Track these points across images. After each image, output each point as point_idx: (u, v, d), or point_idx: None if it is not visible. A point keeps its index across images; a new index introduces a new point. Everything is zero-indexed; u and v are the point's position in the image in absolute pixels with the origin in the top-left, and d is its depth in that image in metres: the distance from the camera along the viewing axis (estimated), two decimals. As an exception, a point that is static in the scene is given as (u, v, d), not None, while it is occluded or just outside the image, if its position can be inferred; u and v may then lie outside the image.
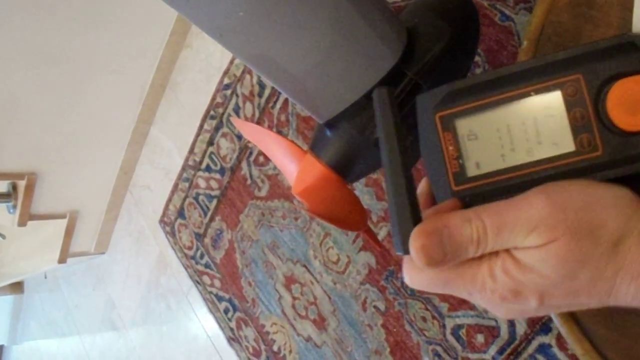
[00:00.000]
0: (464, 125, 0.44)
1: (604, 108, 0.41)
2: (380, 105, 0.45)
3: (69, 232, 2.26)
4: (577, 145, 0.41)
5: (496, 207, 0.39)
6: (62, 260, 2.30)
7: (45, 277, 2.95)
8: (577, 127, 0.41)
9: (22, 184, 2.00)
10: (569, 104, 0.41)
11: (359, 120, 0.83)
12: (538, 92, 0.42)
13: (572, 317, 0.59)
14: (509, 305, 0.40)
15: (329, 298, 1.55)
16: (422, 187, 0.49)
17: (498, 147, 0.43)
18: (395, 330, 1.40)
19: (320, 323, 1.58)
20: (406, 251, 0.40)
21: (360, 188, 1.44)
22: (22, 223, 2.05)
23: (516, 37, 1.20)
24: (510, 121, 0.43)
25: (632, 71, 0.40)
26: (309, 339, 1.61)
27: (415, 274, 0.41)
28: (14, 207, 2.05)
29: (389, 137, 0.43)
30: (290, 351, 1.66)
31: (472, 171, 0.44)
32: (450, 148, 0.44)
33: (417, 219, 0.41)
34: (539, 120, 0.42)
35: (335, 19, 0.73)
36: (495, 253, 0.39)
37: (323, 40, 0.74)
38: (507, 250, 0.39)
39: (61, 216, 2.23)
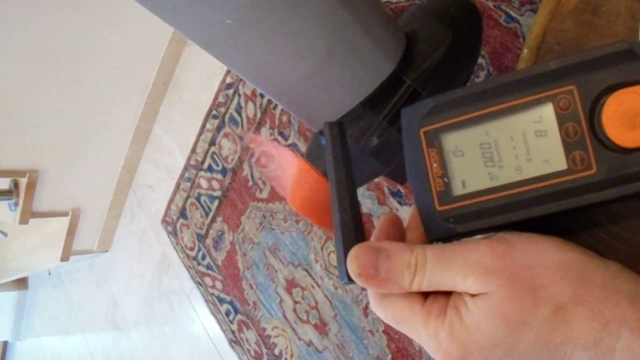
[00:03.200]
0: (449, 141, 0.41)
1: (599, 122, 0.37)
2: (328, 139, 0.44)
3: (71, 230, 2.25)
4: (569, 163, 0.38)
5: (442, 245, 0.39)
6: (64, 258, 2.29)
7: (49, 274, 2.94)
8: (570, 143, 0.38)
9: (23, 182, 1.99)
10: (561, 119, 0.38)
11: (355, 129, 0.81)
12: (528, 105, 0.39)
13: None
14: None
15: (330, 303, 1.53)
16: (412, 210, 0.47)
17: (485, 164, 0.40)
18: (396, 336, 1.38)
19: (321, 328, 1.55)
20: (350, 280, 0.40)
21: (361, 192, 1.42)
22: (23, 221, 2.04)
23: (522, 39, 1.17)
24: (498, 137, 0.40)
25: (630, 82, 0.37)
26: (310, 344, 1.59)
27: (373, 303, 0.41)
28: (16, 204, 2.04)
29: (334, 172, 0.43)
30: (292, 355, 1.64)
31: (457, 190, 0.41)
32: (435, 165, 0.42)
33: (360, 240, 0.41)
34: (528, 135, 0.39)
35: (330, 25, 0.70)
36: (443, 311, 0.38)
37: (318, 48, 0.71)
38: (456, 309, 0.38)
39: (63, 214, 2.22)
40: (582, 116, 0.38)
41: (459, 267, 0.37)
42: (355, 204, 0.43)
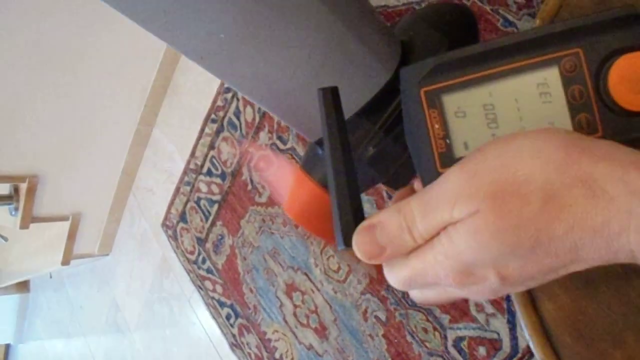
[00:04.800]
0: (451, 102, 0.41)
1: (605, 86, 0.37)
2: (322, 105, 0.42)
3: (71, 235, 2.25)
4: (575, 125, 0.38)
5: (422, 190, 0.38)
6: (65, 262, 2.29)
7: (51, 277, 2.95)
8: (576, 106, 0.38)
9: (23, 187, 1.99)
10: (567, 81, 0.38)
11: (351, 139, 0.81)
12: (533, 67, 0.39)
13: (539, 319, 0.57)
14: (471, 288, 0.38)
15: (330, 307, 1.53)
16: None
17: (488, 126, 0.40)
18: (396, 341, 1.38)
19: (321, 332, 1.56)
20: (346, 245, 0.41)
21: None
22: (24, 225, 2.04)
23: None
24: (502, 98, 0.40)
25: (636, 46, 0.37)
26: (310, 348, 1.59)
27: (387, 273, 0.41)
28: (16, 209, 2.04)
29: (332, 135, 0.42)
30: (292, 359, 1.64)
31: (459, 152, 0.41)
32: (437, 126, 0.41)
33: (357, 214, 0.41)
34: (533, 97, 0.39)
35: (325, 37, 0.70)
36: (437, 239, 0.37)
37: (312, 59, 0.71)
38: (445, 231, 0.36)
39: (64, 218, 2.22)
40: (588, 79, 0.38)
41: (442, 202, 0.36)
42: (350, 170, 0.42)
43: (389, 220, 0.38)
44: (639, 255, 0.32)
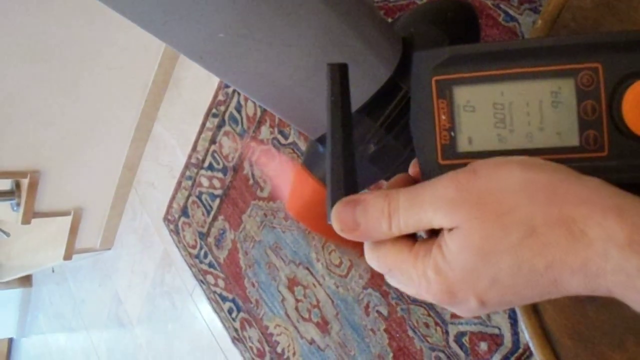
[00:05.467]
0: (462, 94, 0.40)
1: (618, 107, 0.37)
2: (329, 81, 0.42)
3: (73, 229, 2.25)
4: (581, 141, 0.37)
5: (414, 185, 0.39)
6: (67, 256, 2.30)
7: (53, 271, 2.95)
8: (586, 121, 0.37)
9: (25, 182, 1.99)
10: (581, 95, 0.37)
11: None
12: (550, 74, 0.38)
13: (539, 322, 0.58)
14: (451, 307, 0.39)
15: (332, 301, 1.53)
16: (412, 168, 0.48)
17: (495, 125, 0.39)
18: (398, 335, 1.38)
19: (323, 326, 1.56)
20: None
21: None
22: (26, 221, 2.04)
23: (521, 39, 1.17)
24: (513, 99, 0.39)
25: None
26: (312, 342, 1.59)
27: (366, 255, 0.42)
28: (18, 205, 2.04)
29: (331, 115, 0.42)
30: (294, 353, 1.64)
31: (463, 146, 0.41)
32: (443, 117, 0.41)
33: (349, 190, 0.41)
34: (545, 104, 0.38)
35: (325, 34, 0.70)
36: (429, 251, 0.38)
37: (313, 57, 0.71)
38: (439, 247, 0.37)
39: (65, 213, 2.22)
40: (603, 96, 0.37)
41: (428, 203, 0.37)
42: (348, 151, 0.42)
43: (372, 201, 0.39)
44: (616, 295, 0.33)
